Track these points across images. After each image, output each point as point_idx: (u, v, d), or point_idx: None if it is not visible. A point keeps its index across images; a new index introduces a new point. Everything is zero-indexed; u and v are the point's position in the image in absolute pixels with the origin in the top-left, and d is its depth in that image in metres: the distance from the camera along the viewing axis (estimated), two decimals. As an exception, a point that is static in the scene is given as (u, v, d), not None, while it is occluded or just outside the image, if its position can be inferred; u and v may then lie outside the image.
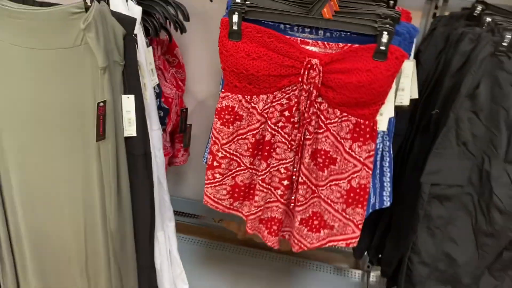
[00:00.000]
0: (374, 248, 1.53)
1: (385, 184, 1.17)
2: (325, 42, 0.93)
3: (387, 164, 1.14)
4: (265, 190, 1.06)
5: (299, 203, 1.05)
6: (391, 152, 1.13)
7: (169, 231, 1.40)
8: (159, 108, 1.37)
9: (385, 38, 0.87)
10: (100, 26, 0.94)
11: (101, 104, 1.00)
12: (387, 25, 0.87)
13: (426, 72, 1.27)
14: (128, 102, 1.06)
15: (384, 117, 0.98)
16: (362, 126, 0.96)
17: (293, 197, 1.06)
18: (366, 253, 1.60)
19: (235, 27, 0.93)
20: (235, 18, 0.92)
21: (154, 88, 1.25)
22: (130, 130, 1.08)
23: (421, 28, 1.37)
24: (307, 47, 0.95)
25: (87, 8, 0.94)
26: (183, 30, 1.34)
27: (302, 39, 0.94)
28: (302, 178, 1.02)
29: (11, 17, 0.99)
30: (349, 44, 0.92)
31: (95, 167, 1.10)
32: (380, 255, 1.54)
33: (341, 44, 0.93)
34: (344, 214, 1.05)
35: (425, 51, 1.27)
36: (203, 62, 1.62)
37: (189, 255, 1.80)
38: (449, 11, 1.30)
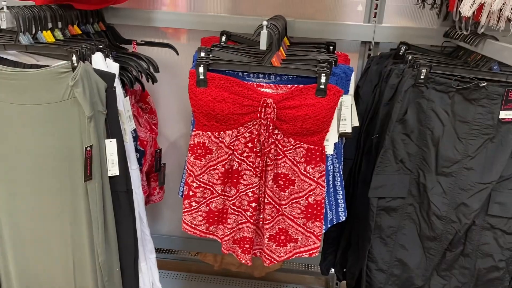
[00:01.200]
0: (339, 264, 1.70)
1: (339, 201, 1.36)
2: (276, 85, 1.14)
3: (339, 183, 1.33)
4: (236, 213, 1.23)
5: (267, 222, 1.21)
6: (341, 173, 1.33)
7: (151, 263, 1.52)
8: (136, 150, 1.52)
9: (323, 78, 1.08)
10: (86, 82, 1.11)
11: (88, 148, 1.15)
12: (325, 68, 1.09)
13: (365, 104, 1.50)
14: (111, 145, 1.21)
15: (330, 143, 1.18)
16: (313, 151, 1.16)
17: (261, 216, 1.23)
18: (333, 270, 1.76)
19: (201, 77, 1.12)
20: (201, 69, 1.11)
21: (131, 132, 1.41)
22: (114, 170, 1.23)
23: (358, 67, 1.62)
24: (262, 89, 1.14)
25: (73, 68, 1.11)
26: (154, 80, 1.52)
27: (258, 83, 1.14)
28: (267, 199, 1.19)
29: (5, 79, 1.15)
30: (295, 85, 1.13)
31: (82, 205, 1.24)
32: (344, 270, 1.70)
33: (289, 85, 1.13)
34: (305, 227, 1.22)
35: (363, 86, 1.51)
36: (173, 107, 1.80)
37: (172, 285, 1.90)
38: (380, 52, 1.55)
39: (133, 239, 1.34)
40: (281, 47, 1.17)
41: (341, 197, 1.35)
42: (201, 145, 1.18)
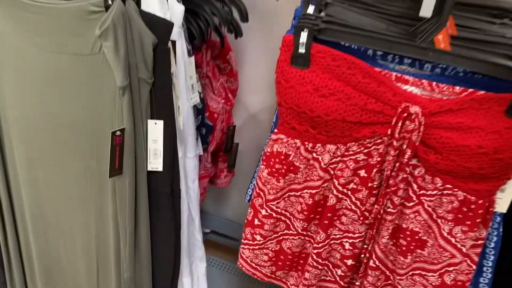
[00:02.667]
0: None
1: (484, 269, 0.86)
2: (433, 82, 0.63)
3: (493, 244, 0.83)
4: (320, 267, 0.79)
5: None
6: (501, 229, 0.82)
7: (199, 273, 1.17)
8: (202, 125, 1.13)
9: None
10: (121, 33, 0.70)
11: (118, 133, 0.77)
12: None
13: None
14: (156, 129, 0.82)
15: (506, 195, 0.68)
16: (473, 206, 0.66)
17: (357, 283, 0.78)
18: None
19: (301, 50, 0.66)
20: (303, 37, 0.64)
21: (197, 102, 1.01)
22: (156, 163, 0.85)
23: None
24: (405, 87, 0.65)
25: (106, 7, 0.70)
26: (238, 33, 1.08)
27: (399, 74, 0.65)
28: (374, 262, 0.74)
29: (25, 11, 0.78)
30: (470, 90, 0.62)
31: (110, 203, 0.89)
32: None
33: (457, 88, 0.62)
34: (426, 315, 0.75)
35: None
36: (260, 70, 1.34)
37: (221, 284, 1.57)
38: None
39: (173, 253, 0.98)
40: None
41: (491, 264, 0.85)
42: (282, 157, 0.74)
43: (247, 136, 1.44)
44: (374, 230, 0.73)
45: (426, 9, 0.56)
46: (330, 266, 0.80)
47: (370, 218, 0.72)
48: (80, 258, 1.03)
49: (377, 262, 0.74)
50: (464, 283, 0.72)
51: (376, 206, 0.70)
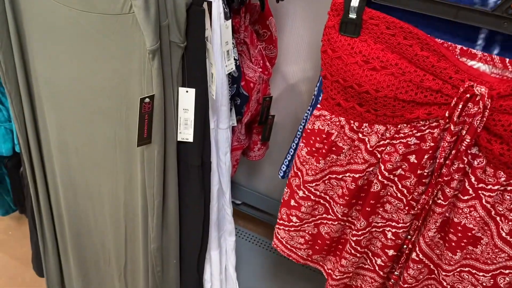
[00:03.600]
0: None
1: None
2: (506, 60, 0.54)
3: None
4: (358, 254, 0.73)
5: (406, 285, 0.70)
6: None
7: (228, 247, 1.14)
8: (237, 94, 1.07)
9: None
10: (153, -8, 0.64)
11: (147, 100, 0.72)
12: None
13: None
14: (187, 97, 0.77)
15: None
16: (540, 206, 0.58)
17: (396, 273, 0.72)
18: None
19: (352, 15, 0.57)
20: (354, 0, 0.56)
21: (230, 73, 0.95)
22: (186, 133, 0.80)
23: None
24: (471, 63, 0.56)
25: (138, -37, 0.64)
26: (280, -4, 1.00)
27: (464, 48, 0.56)
28: (417, 255, 0.67)
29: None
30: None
31: (139, 172, 0.85)
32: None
33: (535, 67, 0.53)
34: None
35: None
36: (302, 38, 1.26)
37: (250, 256, 1.54)
38: None
39: (202, 227, 0.94)
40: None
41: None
42: (323, 136, 0.67)
43: (284, 108, 1.37)
44: (420, 222, 0.65)
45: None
46: (370, 254, 0.74)
47: (416, 208, 0.64)
48: (109, 225, 1.02)
49: (420, 256, 0.67)
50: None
51: (424, 196, 0.62)
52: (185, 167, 0.85)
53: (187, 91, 0.76)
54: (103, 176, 0.93)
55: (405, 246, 0.70)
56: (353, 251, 0.73)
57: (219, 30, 0.82)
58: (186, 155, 0.83)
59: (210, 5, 0.77)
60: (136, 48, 0.71)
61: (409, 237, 0.68)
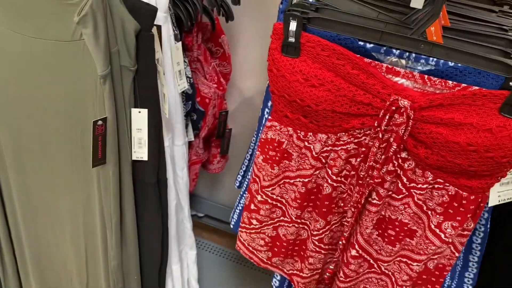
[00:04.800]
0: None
1: (470, 264, 0.85)
2: (425, 76, 0.60)
3: (479, 240, 0.81)
4: (323, 251, 0.79)
5: (348, 279, 0.76)
6: (488, 225, 0.80)
7: (189, 260, 1.17)
8: (193, 110, 1.10)
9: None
10: (102, 20, 0.67)
11: (100, 122, 0.74)
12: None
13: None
14: (139, 118, 0.80)
15: (495, 191, 0.66)
16: (464, 202, 0.64)
17: (331, 266, 0.78)
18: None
19: (291, 39, 0.63)
20: (292, 25, 0.61)
21: (183, 92, 0.98)
22: (140, 152, 0.83)
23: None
24: (396, 79, 0.62)
25: (86, -8, 0.67)
26: (229, 16, 1.04)
27: (389, 66, 0.62)
28: (358, 252, 0.73)
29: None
30: (463, 85, 0.59)
31: (96, 191, 0.87)
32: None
33: (450, 83, 0.59)
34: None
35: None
36: (254, 54, 1.31)
37: (215, 268, 1.57)
38: None
39: (161, 242, 0.97)
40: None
41: (476, 259, 0.84)
42: (275, 144, 0.72)
43: (241, 121, 1.42)
44: (353, 219, 0.71)
45: (416, 2, 0.53)
46: (336, 247, 0.80)
47: (353, 207, 0.70)
48: (69, 245, 1.02)
49: (360, 251, 0.73)
50: (445, 266, 0.72)
51: (356, 194, 0.68)
52: (141, 185, 0.87)
53: (139, 112, 0.79)
54: (61, 197, 0.94)
55: (340, 242, 0.75)
56: (317, 249, 0.78)
57: (169, 52, 0.85)
58: (141, 174, 0.86)
59: (159, 28, 0.81)
60: (88, 72, 0.74)
61: (344, 234, 0.74)
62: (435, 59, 0.59)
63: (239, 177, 1.05)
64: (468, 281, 0.86)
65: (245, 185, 1.03)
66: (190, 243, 1.13)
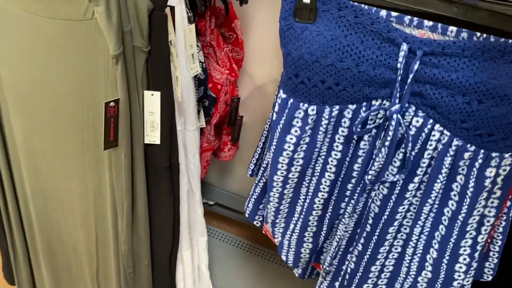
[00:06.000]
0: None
1: (491, 253, 0.83)
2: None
3: (501, 229, 0.79)
4: None
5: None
6: (510, 214, 0.78)
7: (200, 247, 1.16)
8: (205, 96, 1.09)
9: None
10: (114, -2, 0.66)
11: (112, 104, 0.73)
12: None
13: None
14: (152, 100, 0.78)
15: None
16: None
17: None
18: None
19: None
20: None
21: (196, 75, 0.97)
22: (153, 136, 0.82)
23: None
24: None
25: (99, -30, 0.66)
26: (243, 0, 1.02)
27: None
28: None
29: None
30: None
31: (107, 175, 0.86)
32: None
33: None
34: None
35: None
36: (267, 40, 1.29)
37: (225, 256, 1.56)
38: None
39: (172, 227, 0.96)
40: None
41: (497, 249, 0.82)
42: None
43: (252, 109, 1.40)
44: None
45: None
46: None
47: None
48: (79, 228, 1.02)
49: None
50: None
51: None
52: (153, 169, 0.87)
53: (152, 94, 0.78)
54: (72, 180, 0.94)
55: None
56: None
57: (182, 34, 0.84)
58: (154, 157, 0.85)
59: (173, 9, 0.79)
60: (100, 53, 0.73)
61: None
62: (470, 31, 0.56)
63: (251, 165, 1.03)
64: (489, 271, 0.84)
65: (259, 174, 1.01)
66: (201, 229, 1.13)
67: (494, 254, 0.83)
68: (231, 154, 1.35)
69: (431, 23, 0.59)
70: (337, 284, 0.84)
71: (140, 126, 0.80)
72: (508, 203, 0.76)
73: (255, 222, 0.98)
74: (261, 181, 0.92)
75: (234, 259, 1.58)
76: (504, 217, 0.78)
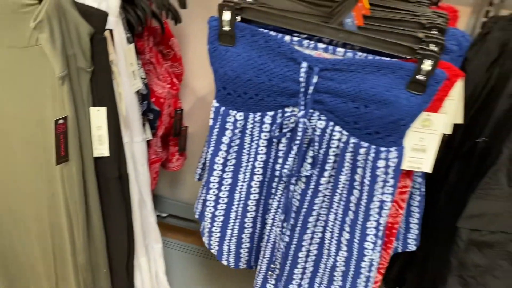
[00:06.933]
0: (392, 281, 1.33)
1: (411, 226, 0.96)
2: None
3: (416, 203, 0.92)
4: None
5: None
6: (422, 188, 0.91)
7: (156, 254, 1.22)
8: (149, 110, 1.16)
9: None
10: (57, 25, 0.73)
11: (60, 121, 0.80)
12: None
13: (472, 86, 1.02)
14: (98, 116, 0.85)
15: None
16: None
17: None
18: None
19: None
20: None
21: (139, 91, 1.04)
22: (101, 149, 0.88)
23: (469, 29, 1.12)
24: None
25: (40, 0, 0.73)
26: (177, 20, 1.11)
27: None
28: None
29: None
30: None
31: (60, 190, 0.91)
32: (398, 288, 1.34)
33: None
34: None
35: (473, 60, 1.02)
36: (204, 53, 1.38)
37: (184, 264, 1.62)
38: (508, 10, 1.04)
39: (126, 234, 1.02)
40: (364, -5, 0.71)
41: (416, 221, 0.95)
42: None
43: (197, 119, 1.48)
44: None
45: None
46: None
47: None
48: (36, 247, 1.05)
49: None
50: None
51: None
52: (104, 181, 0.93)
53: (98, 110, 0.85)
54: (26, 200, 0.97)
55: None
56: None
57: (122, 54, 0.91)
58: (104, 169, 0.91)
59: (111, 32, 0.87)
60: (46, 75, 0.79)
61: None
62: (354, 51, 0.69)
63: (198, 170, 1.11)
64: (412, 241, 0.97)
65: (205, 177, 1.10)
66: (155, 237, 1.19)
67: (414, 226, 0.96)
68: (179, 164, 1.42)
69: (324, 45, 0.73)
70: (270, 273, 0.94)
71: (88, 140, 0.86)
72: (419, 180, 0.89)
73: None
74: (204, 187, 1.00)
75: (192, 266, 1.63)
76: (418, 192, 0.91)
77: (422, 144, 0.75)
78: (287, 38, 0.72)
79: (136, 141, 1.03)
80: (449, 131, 0.86)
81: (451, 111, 0.84)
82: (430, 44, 0.66)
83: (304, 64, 0.70)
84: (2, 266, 1.10)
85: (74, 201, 0.90)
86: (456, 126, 1.02)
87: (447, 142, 1.07)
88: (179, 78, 1.30)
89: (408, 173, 0.77)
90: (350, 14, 0.66)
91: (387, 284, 1.34)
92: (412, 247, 0.99)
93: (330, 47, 0.71)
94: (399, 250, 1.00)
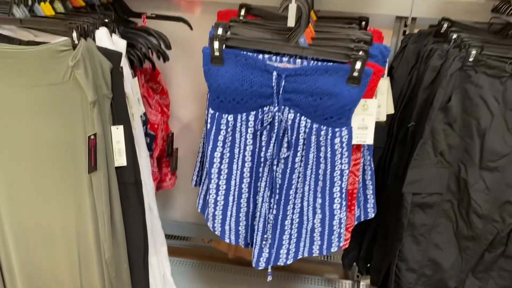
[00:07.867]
0: (363, 259, 1.58)
1: (368, 196, 1.22)
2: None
3: (369, 177, 1.19)
4: None
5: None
6: (372, 166, 1.19)
7: (162, 256, 1.42)
8: (146, 135, 1.40)
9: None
10: (88, 62, 0.98)
11: (92, 137, 1.03)
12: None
13: (400, 87, 1.34)
14: (118, 132, 1.09)
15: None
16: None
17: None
18: (355, 263, 1.65)
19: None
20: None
21: (140, 116, 1.28)
22: (121, 160, 1.11)
23: (393, 45, 1.45)
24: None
25: (74, 46, 0.98)
26: (165, 58, 1.38)
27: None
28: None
29: (2, 58, 1.02)
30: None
31: (87, 198, 1.12)
32: (368, 265, 1.59)
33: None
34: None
35: (397, 68, 1.34)
36: (186, 87, 1.66)
37: (182, 277, 1.81)
38: (417, 29, 1.38)
39: (143, 233, 1.23)
40: (310, 24, 1.02)
41: (371, 192, 1.22)
42: None
43: (183, 144, 1.73)
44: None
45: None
46: None
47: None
48: (62, 258, 1.23)
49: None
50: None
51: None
52: (123, 186, 1.14)
53: (117, 128, 1.08)
54: (54, 214, 1.16)
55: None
56: None
57: (130, 85, 1.17)
58: (123, 176, 1.13)
59: (122, 69, 1.12)
60: (77, 103, 1.02)
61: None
62: (308, 61, 0.98)
63: (194, 177, 1.35)
64: (370, 210, 1.23)
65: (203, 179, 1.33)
66: (161, 240, 1.40)
67: (370, 197, 1.23)
68: (172, 183, 1.65)
69: (287, 58, 1.02)
70: (264, 243, 1.18)
71: (111, 153, 1.09)
72: (369, 158, 1.17)
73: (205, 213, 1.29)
74: (205, 182, 1.24)
75: (188, 277, 1.82)
76: (369, 168, 1.18)
77: (364, 123, 1.04)
78: (261, 56, 1.00)
79: (142, 156, 1.26)
80: (383, 118, 1.15)
81: (383, 103, 1.14)
82: (359, 51, 0.95)
83: (274, 73, 0.98)
84: (27, 276, 1.27)
85: (100, 204, 1.11)
86: (392, 119, 1.33)
87: (387, 133, 1.38)
88: (168, 107, 1.56)
89: (358, 147, 1.05)
90: (303, 35, 0.95)
91: (360, 262, 1.59)
92: (371, 214, 1.25)
93: (291, 59, 1.00)
94: (362, 219, 1.26)
